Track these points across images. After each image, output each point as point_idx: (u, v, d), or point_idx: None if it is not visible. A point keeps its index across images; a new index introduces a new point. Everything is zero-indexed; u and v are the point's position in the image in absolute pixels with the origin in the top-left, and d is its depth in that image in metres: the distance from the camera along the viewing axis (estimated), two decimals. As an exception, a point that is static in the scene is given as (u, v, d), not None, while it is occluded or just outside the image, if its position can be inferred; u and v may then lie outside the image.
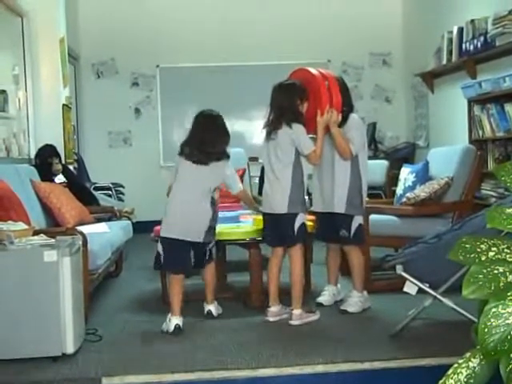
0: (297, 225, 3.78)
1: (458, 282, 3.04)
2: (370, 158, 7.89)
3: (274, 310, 3.85)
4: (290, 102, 3.77)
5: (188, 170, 3.72)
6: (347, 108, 3.92)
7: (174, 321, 3.62)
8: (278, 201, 3.78)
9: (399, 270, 3.28)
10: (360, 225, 3.97)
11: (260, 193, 6.93)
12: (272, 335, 3.52)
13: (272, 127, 3.79)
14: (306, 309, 3.83)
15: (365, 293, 4.04)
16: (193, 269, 3.84)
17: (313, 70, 3.87)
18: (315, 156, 3.77)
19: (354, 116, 3.97)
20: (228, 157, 3.79)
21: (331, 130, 3.81)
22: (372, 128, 8.38)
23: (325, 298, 4.16)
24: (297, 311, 3.75)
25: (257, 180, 7.23)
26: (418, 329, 3.44)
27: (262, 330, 3.64)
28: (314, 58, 8.04)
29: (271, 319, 3.80)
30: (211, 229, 3.77)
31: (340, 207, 3.92)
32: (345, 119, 3.91)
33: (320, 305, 4.09)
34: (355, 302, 3.95)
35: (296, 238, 3.79)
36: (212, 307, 3.93)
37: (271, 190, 3.82)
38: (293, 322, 3.72)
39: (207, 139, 3.71)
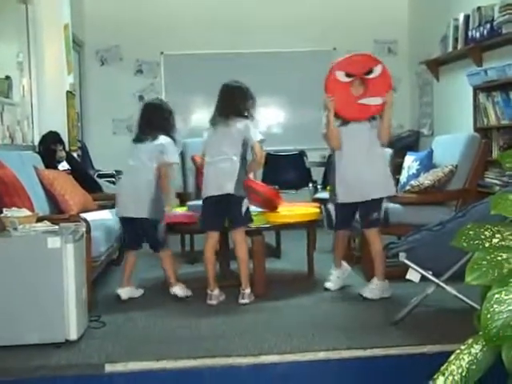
0: (244, 208, 3.94)
1: (460, 269, 3.03)
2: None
3: (216, 294, 3.96)
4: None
5: None
6: None
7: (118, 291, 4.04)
8: (227, 182, 3.91)
9: (402, 257, 3.28)
10: (386, 209, 4.16)
11: (263, 180, 6.94)
12: (274, 322, 3.52)
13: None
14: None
15: (386, 281, 3.99)
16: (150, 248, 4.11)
17: (366, 53, 4.09)
18: None
19: None
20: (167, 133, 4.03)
21: (386, 111, 3.89)
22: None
23: (331, 283, 4.19)
24: (247, 290, 3.94)
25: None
26: (421, 316, 3.44)
27: (264, 316, 3.64)
28: (320, 46, 7.99)
29: (214, 302, 3.93)
30: (156, 203, 3.92)
31: (379, 192, 3.97)
32: None
33: (327, 290, 4.14)
34: (373, 288, 3.94)
35: (243, 220, 3.97)
36: (176, 289, 4.07)
37: (220, 173, 3.92)
38: (243, 301, 3.90)
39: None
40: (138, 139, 4.04)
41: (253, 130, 3.95)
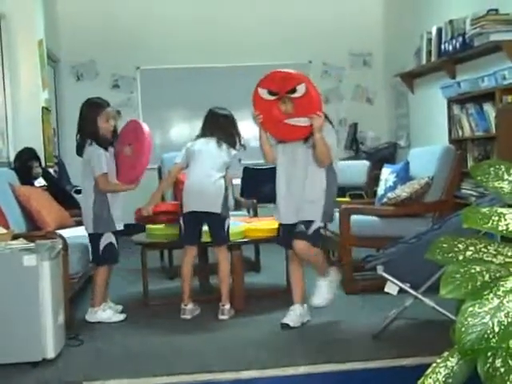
0: (226, 225, 4.02)
1: (438, 281, 3.06)
2: (351, 158, 8.04)
3: (190, 308, 3.98)
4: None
5: None
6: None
7: None
8: (213, 200, 3.94)
9: (380, 270, 3.30)
10: (319, 228, 3.69)
11: (242, 195, 6.94)
12: (254, 337, 3.51)
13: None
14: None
15: (305, 306, 3.76)
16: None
17: (290, 70, 3.60)
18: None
19: (325, 120, 3.63)
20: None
21: (316, 135, 3.50)
22: (353, 128, 8.41)
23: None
24: (227, 306, 3.93)
25: (239, 181, 7.22)
26: (400, 329, 3.45)
27: (244, 331, 3.63)
28: (295, 59, 8.03)
29: (188, 317, 3.95)
30: (96, 218, 3.90)
31: (311, 215, 3.62)
32: None
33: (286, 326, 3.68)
34: (323, 291, 3.77)
35: (226, 238, 4.03)
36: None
37: (206, 192, 3.94)
38: (223, 317, 3.89)
39: None
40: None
41: (235, 165, 4.13)
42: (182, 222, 4.04)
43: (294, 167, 3.66)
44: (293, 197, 3.65)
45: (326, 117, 3.62)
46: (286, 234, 3.71)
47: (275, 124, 3.64)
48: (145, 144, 3.94)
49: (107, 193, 3.91)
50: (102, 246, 3.91)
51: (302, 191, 3.62)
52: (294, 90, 3.52)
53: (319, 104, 3.56)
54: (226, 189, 4.05)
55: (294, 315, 3.68)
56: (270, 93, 3.58)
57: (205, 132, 4.13)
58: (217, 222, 3.99)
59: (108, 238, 3.92)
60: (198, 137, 4.15)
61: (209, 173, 3.99)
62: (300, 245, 3.61)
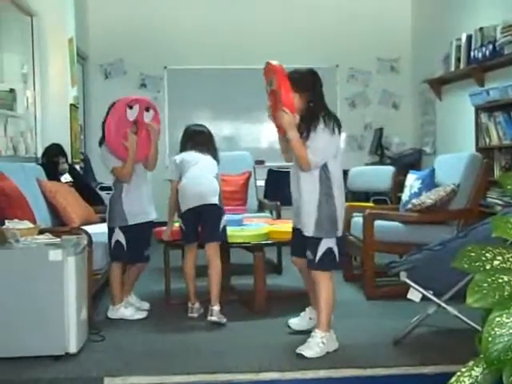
0: (222, 223, 3.99)
1: (462, 289, 3.03)
2: (376, 163, 8.01)
3: (197, 307, 4.00)
4: None
5: None
6: (313, 110, 3.27)
7: None
8: (210, 193, 3.95)
9: (403, 276, 3.28)
10: (330, 249, 3.26)
11: (266, 196, 6.94)
12: (275, 339, 3.51)
13: None
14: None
15: (331, 332, 3.31)
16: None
17: (273, 61, 3.35)
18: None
19: (321, 120, 3.23)
20: None
21: (288, 134, 3.21)
22: (379, 133, 8.38)
23: (296, 320, 3.69)
24: (217, 307, 3.85)
25: (263, 183, 7.23)
26: (422, 336, 3.43)
27: (265, 333, 3.63)
28: (322, 63, 8.02)
29: (196, 315, 3.98)
30: (109, 211, 4.00)
31: (307, 229, 3.27)
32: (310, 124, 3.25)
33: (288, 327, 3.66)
34: (316, 343, 3.20)
35: (219, 235, 3.99)
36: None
37: (203, 187, 3.96)
38: (212, 318, 3.82)
39: None
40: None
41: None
42: (181, 222, 4.05)
43: (295, 168, 3.38)
44: (295, 201, 3.40)
45: (324, 116, 3.22)
46: (296, 239, 3.46)
47: (274, 118, 3.38)
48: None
49: (128, 179, 3.92)
50: (112, 242, 3.95)
51: (299, 197, 3.32)
52: (270, 83, 3.34)
53: (287, 99, 3.19)
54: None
55: (314, 343, 3.22)
56: (267, 85, 3.39)
57: (196, 146, 4.12)
58: (213, 215, 3.97)
59: (117, 235, 3.94)
60: (186, 150, 4.13)
61: (204, 174, 4.04)
62: (313, 274, 3.30)
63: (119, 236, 3.94)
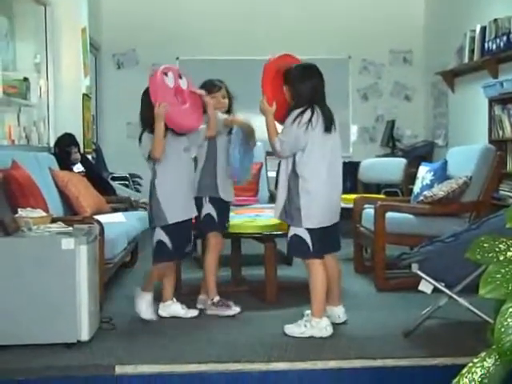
0: (203, 212, 3.83)
1: (473, 281, 3.03)
2: (387, 155, 7.99)
3: (203, 298, 3.92)
4: None
5: None
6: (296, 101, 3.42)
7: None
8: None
9: (415, 268, 3.27)
10: (298, 236, 3.38)
11: (276, 187, 6.92)
12: (285, 329, 3.52)
13: None
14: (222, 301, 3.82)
15: (324, 320, 3.36)
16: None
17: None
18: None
19: (296, 111, 3.37)
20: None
21: (266, 119, 3.53)
22: (391, 125, 8.35)
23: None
24: (216, 298, 3.80)
25: (274, 174, 7.22)
26: (433, 328, 3.43)
27: (275, 324, 3.63)
28: (335, 54, 8.02)
29: (200, 306, 3.88)
30: (149, 210, 3.72)
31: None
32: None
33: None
34: (300, 324, 3.37)
35: (224, 224, 3.92)
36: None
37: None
38: (208, 312, 3.79)
39: None
40: None
41: None
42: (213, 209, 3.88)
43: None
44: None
45: (303, 112, 3.35)
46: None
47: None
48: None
49: (160, 156, 3.56)
50: (154, 242, 3.70)
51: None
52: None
53: (264, 90, 3.53)
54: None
55: (298, 324, 3.39)
56: None
57: None
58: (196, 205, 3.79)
59: (158, 235, 3.66)
60: None
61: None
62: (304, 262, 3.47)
63: (161, 236, 3.64)
